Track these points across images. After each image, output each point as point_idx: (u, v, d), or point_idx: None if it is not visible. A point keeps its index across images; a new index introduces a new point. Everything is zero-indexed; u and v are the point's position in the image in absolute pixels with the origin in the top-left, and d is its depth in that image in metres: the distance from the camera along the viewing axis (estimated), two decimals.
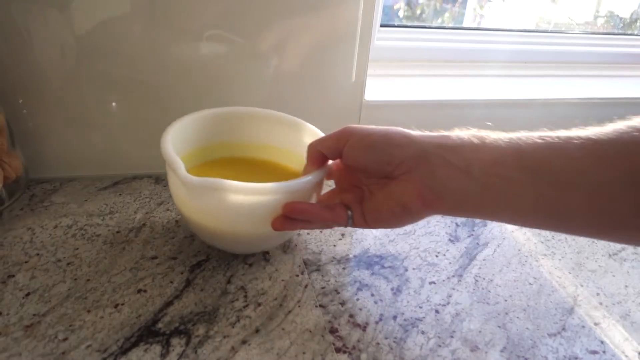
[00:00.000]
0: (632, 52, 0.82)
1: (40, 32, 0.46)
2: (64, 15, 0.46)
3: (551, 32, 0.79)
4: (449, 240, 0.49)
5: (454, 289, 0.42)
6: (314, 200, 0.41)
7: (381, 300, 0.40)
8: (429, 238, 0.49)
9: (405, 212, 0.35)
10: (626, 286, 0.45)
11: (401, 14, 0.75)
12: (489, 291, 0.43)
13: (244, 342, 0.35)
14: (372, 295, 0.41)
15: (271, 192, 0.36)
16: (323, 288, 0.41)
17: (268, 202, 0.37)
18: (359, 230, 0.49)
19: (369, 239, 0.48)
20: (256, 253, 0.44)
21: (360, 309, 0.39)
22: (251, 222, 0.38)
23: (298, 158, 0.46)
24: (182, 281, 0.40)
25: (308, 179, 0.38)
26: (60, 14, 0.46)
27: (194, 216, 0.39)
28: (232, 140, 0.48)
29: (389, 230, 0.50)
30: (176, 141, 0.41)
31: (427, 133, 0.36)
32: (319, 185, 0.40)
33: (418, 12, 0.75)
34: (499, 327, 0.39)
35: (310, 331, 0.37)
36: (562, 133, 0.31)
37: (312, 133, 0.45)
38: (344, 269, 0.44)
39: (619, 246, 0.51)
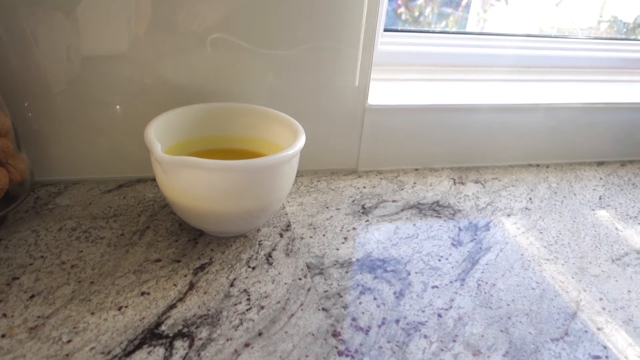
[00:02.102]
0: (636, 57, 0.82)
1: (46, 35, 0.46)
2: (69, 19, 0.46)
3: (554, 37, 0.79)
4: (452, 244, 0.49)
5: (456, 293, 0.42)
6: (282, 178, 0.42)
7: (384, 304, 0.41)
8: (431, 242, 0.49)
9: None
10: (629, 291, 0.45)
11: (402, 17, 0.76)
12: (492, 295, 0.43)
13: (246, 345, 0.35)
14: (375, 299, 0.41)
15: (237, 169, 0.39)
16: (326, 291, 0.41)
17: (235, 179, 0.39)
18: (362, 234, 0.49)
19: (372, 242, 0.48)
20: (258, 256, 0.44)
21: (363, 313, 0.39)
22: (220, 198, 0.40)
23: (276, 147, 0.49)
24: (186, 284, 0.40)
25: (274, 157, 0.40)
26: (66, 18, 0.46)
27: (170, 194, 0.42)
28: (217, 133, 0.51)
29: (391, 234, 0.50)
30: (163, 134, 0.45)
31: None
32: (288, 163, 0.42)
33: (416, 14, 0.75)
34: (502, 331, 0.39)
35: (313, 334, 0.37)
36: None
37: (288, 123, 0.47)
38: (346, 272, 0.44)
39: (622, 251, 0.51)
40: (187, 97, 0.52)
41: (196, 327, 0.36)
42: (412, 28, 0.75)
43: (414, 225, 0.52)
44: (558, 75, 0.78)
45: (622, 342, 0.39)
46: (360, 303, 0.40)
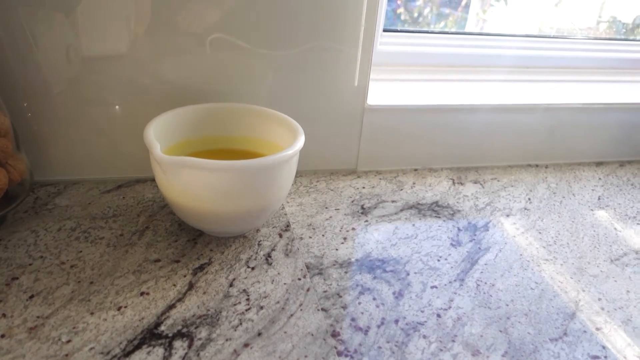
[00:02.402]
0: (635, 57, 0.82)
1: (45, 35, 0.46)
2: (69, 19, 0.46)
3: (554, 37, 0.79)
4: (451, 244, 0.49)
5: (455, 293, 0.43)
6: (282, 178, 0.42)
7: (383, 304, 0.41)
8: (430, 242, 0.49)
9: None
10: (628, 291, 0.45)
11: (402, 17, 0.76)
12: (491, 296, 0.43)
13: (246, 345, 0.35)
14: (374, 299, 0.41)
15: (236, 169, 0.39)
16: (325, 292, 0.41)
17: (234, 179, 0.39)
18: (361, 234, 0.50)
19: (371, 243, 0.48)
20: (258, 257, 0.44)
21: (362, 313, 0.39)
22: (220, 199, 0.40)
23: (276, 147, 0.49)
24: (185, 284, 0.40)
25: (273, 157, 0.40)
26: (65, 18, 0.46)
27: (170, 195, 0.42)
28: (216, 134, 0.51)
29: (391, 234, 0.50)
30: (163, 134, 0.45)
31: None
32: (287, 163, 0.42)
33: (415, 14, 0.76)
34: (501, 331, 0.39)
35: (312, 335, 0.37)
36: None
37: (287, 123, 0.47)
38: (345, 272, 0.44)
39: (620, 251, 0.51)
40: (186, 97, 0.52)
41: (195, 327, 0.36)
42: (412, 28, 0.75)
43: (413, 225, 0.52)
44: (557, 75, 0.78)
45: (620, 342, 0.39)
46: (359, 303, 0.40)
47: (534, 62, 0.77)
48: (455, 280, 0.44)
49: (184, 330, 0.36)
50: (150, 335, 0.35)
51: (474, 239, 0.50)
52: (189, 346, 0.35)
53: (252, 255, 0.45)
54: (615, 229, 0.55)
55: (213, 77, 0.52)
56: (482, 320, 0.40)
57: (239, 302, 0.39)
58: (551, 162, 0.70)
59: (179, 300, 0.39)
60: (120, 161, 0.54)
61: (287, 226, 0.50)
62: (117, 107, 0.51)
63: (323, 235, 0.49)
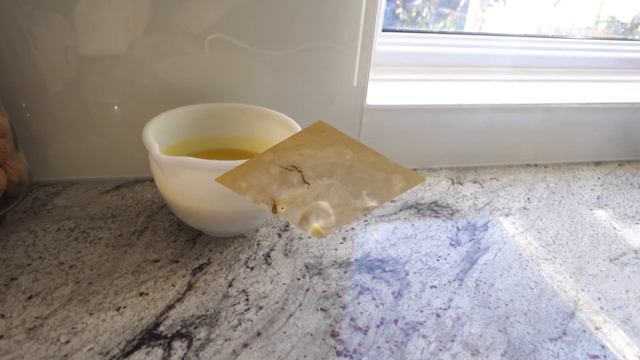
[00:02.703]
0: (634, 57, 0.82)
1: (43, 36, 0.46)
2: (67, 19, 0.46)
3: (552, 37, 0.79)
4: (450, 244, 0.49)
5: (455, 293, 0.43)
6: None
7: (382, 304, 0.41)
8: (430, 242, 0.49)
9: None
10: (627, 291, 0.45)
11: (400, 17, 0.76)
12: (490, 295, 0.43)
13: (245, 345, 0.35)
14: (373, 299, 0.41)
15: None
16: (324, 292, 0.41)
17: None
18: (360, 234, 0.49)
19: (370, 242, 0.48)
20: (257, 257, 0.44)
21: (362, 313, 0.39)
22: (219, 199, 0.40)
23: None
24: (184, 284, 0.40)
25: None
26: (63, 18, 0.46)
27: (169, 195, 0.42)
28: (215, 134, 0.51)
29: (390, 234, 0.50)
30: (162, 134, 0.45)
31: None
32: None
33: (414, 14, 0.76)
34: (500, 331, 0.39)
35: (312, 335, 0.37)
36: None
37: (286, 123, 0.47)
38: (345, 272, 0.44)
39: (620, 251, 0.51)
40: (185, 97, 0.52)
41: (195, 328, 0.36)
42: (410, 28, 0.75)
43: (413, 225, 0.52)
44: (556, 75, 0.78)
45: (620, 342, 0.39)
46: (358, 303, 0.40)
47: (532, 62, 0.77)
48: (454, 280, 0.44)
49: (183, 330, 0.36)
50: (149, 336, 0.35)
51: (473, 239, 0.50)
52: (188, 346, 0.35)
53: (251, 256, 0.45)
54: (614, 228, 0.55)
55: (212, 77, 0.52)
56: (482, 319, 0.40)
57: (238, 302, 0.39)
58: (550, 162, 0.70)
59: (178, 300, 0.39)
60: (119, 161, 0.54)
61: (286, 226, 0.50)
62: (115, 107, 0.51)
63: None
